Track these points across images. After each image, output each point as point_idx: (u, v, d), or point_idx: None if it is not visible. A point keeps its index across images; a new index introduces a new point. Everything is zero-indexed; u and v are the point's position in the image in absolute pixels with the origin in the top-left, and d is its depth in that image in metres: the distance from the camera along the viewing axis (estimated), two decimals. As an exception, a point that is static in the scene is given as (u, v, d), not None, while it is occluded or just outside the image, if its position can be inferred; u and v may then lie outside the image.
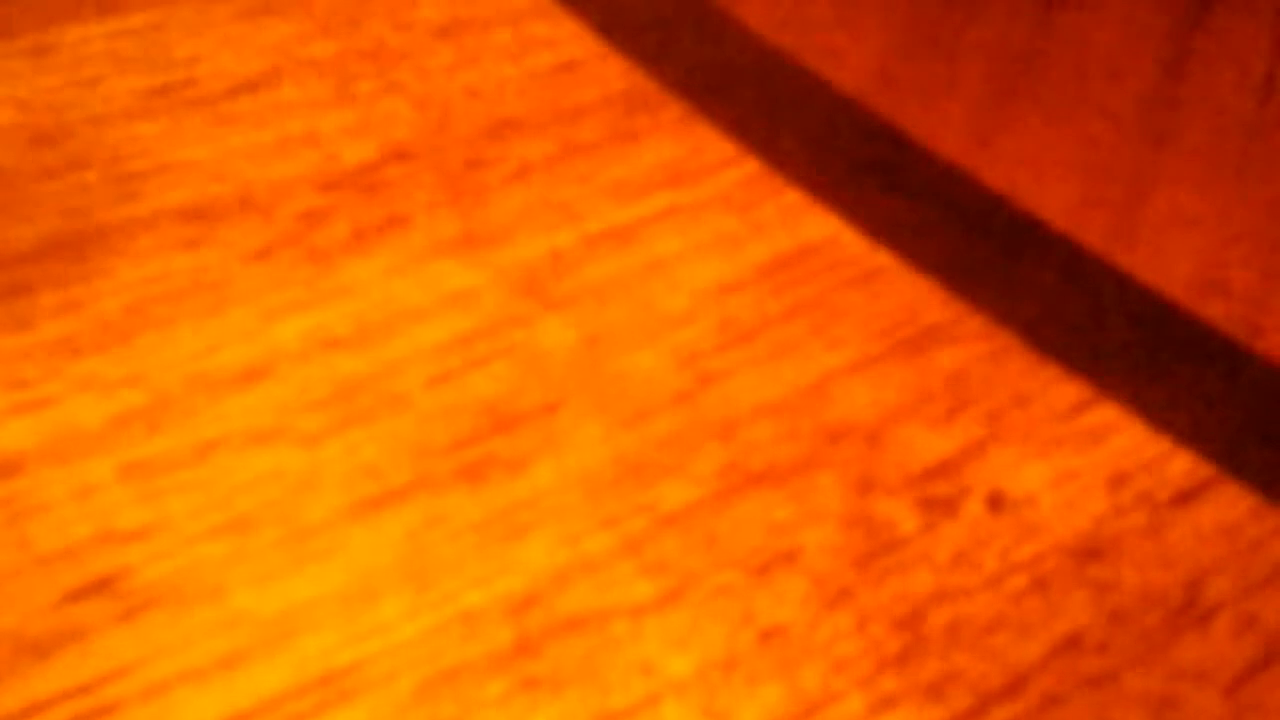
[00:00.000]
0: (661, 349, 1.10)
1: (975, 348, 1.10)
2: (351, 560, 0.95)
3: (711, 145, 1.28)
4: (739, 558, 0.96)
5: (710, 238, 1.19)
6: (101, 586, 0.93)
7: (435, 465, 1.01)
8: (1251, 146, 1.13)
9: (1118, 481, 1.01)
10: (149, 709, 0.87)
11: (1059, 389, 1.07)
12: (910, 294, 1.15)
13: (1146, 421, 1.05)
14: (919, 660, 0.90)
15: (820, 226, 1.20)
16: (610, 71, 1.36)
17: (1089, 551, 0.97)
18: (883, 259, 1.17)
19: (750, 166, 1.26)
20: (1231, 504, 1.00)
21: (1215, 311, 1.12)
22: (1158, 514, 0.99)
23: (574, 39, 1.40)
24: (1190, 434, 1.04)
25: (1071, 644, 0.91)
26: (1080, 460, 1.02)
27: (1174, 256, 1.15)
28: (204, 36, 1.39)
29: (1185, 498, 1.00)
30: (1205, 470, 1.02)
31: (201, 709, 0.87)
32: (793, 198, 1.23)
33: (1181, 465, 1.02)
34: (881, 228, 1.20)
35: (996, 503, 0.99)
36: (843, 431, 1.04)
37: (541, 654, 0.90)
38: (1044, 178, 1.21)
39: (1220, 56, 1.21)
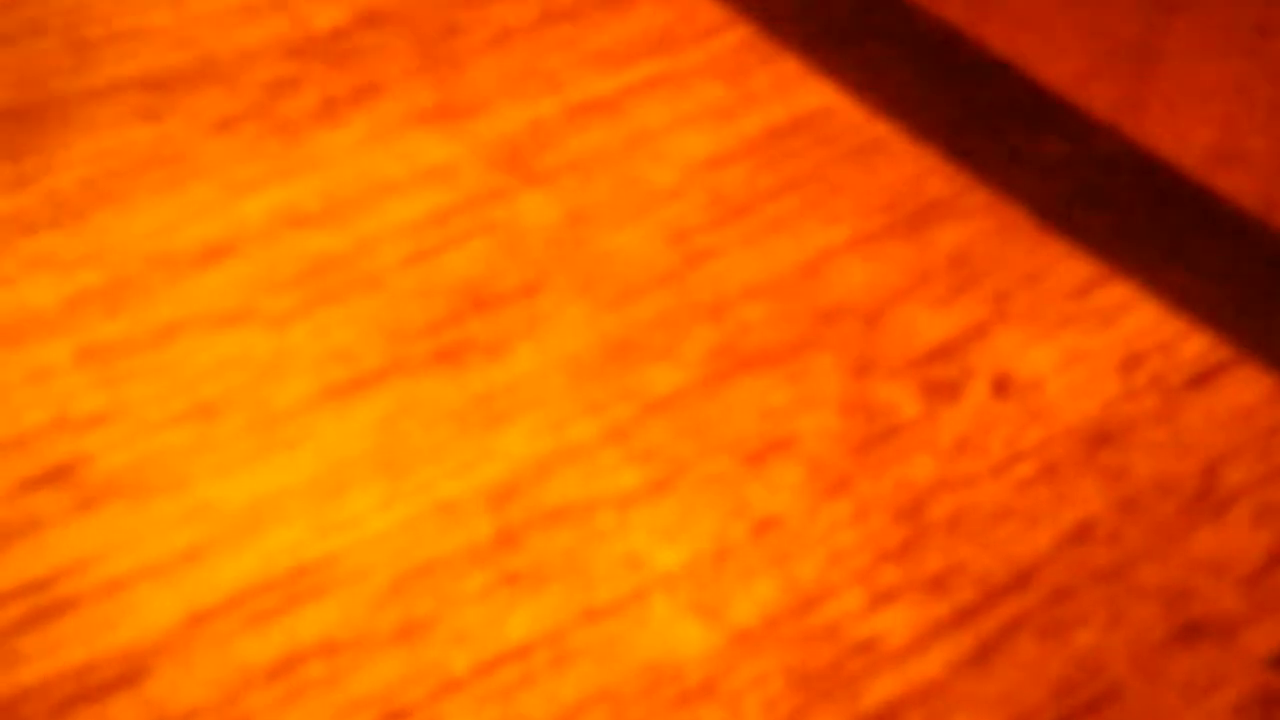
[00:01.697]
0: (648, 226, 1.04)
1: (980, 223, 1.05)
2: (322, 449, 0.90)
3: (701, 10, 1.22)
4: (731, 445, 0.91)
5: (699, 108, 1.13)
6: (58, 475, 0.88)
7: (410, 348, 0.96)
8: (1269, 11, 1.07)
9: (1130, 363, 0.96)
10: (108, 604, 0.82)
11: (1068, 266, 1.02)
12: (911, 167, 1.09)
13: (1160, 300, 1.00)
14: (920, 552, 0.86)
15: (816, 96, 1.14)
16: (594, -68, 1.29)
17: (1099, 437, 0.92)
18: (882, 130, 1.12)
19: (742, 32, 1.20)
20: (1249, 386, 0.95)
21: (1231, 183, 1.06)
22: (1172, 397, 0.94)
23: (556, -102, 1.33)
24: (1206, 313, 0.99)
25: (1081, 535, 0.87)
26: (1090, 341, 0.97)
27: (1188, 126, 1.10)
28: (164, -104, 1.32)
29: (1200, 380, 0.95)
30: (1221, 351, 0.97)
31: (163, 605, 0.82)
32: (787, 65, 1.17)
33: (1197, 346, 0.97)
34: (881, 97, 1.14)
35: (1002, 386, 0.95)
36: (840, 312, 0.99)
37: (523, 547, 0.85)
38: (1052, 44, 1.15)
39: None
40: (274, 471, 0.89)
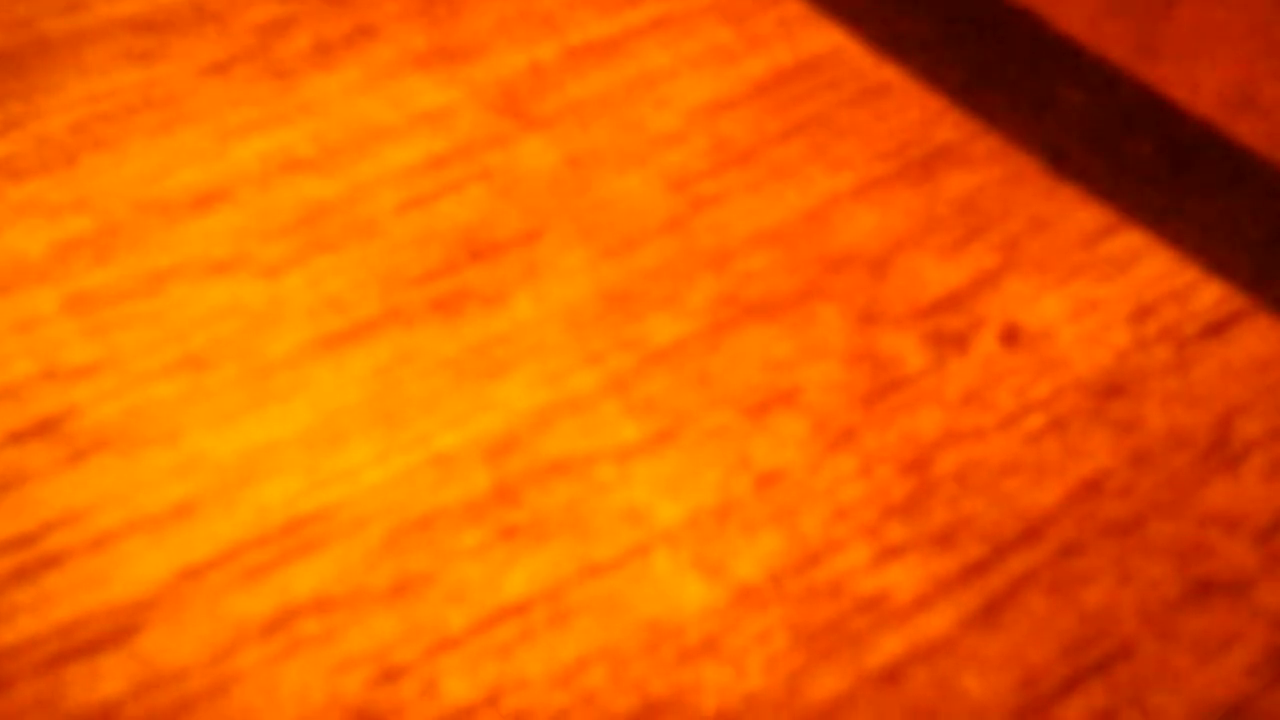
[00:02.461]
0: (650, 172, 1.02)
1: (989, 170, 1.02)
2: (316, 399, 0.88)
3: (704, -49, 1.19)
4: (734, 397, 0.89)
5: (703, 51, 1.11)
6: (46, 427, 0.86)
7: (406, 297, 0.94)
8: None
9: (1142, 313, 0.94)
10: (98, 560, 0.81)
11: (1079, 214, 1.00)
12: (919, 112, 1.06)
13: (1173, 249, 0.98)
14: (927, 506, 0.84)
15: (822, 38, 1.12)
16: None
17: (1110, 389, 0.90)
18: (889, 74, 1.09)
19: (746, -26, 1.17)
20: (1264, 337, 0.93)
21: (1247, 129, 1.04)
22: (1185, 348, 0.92)
23: None
24: (1220, 262, 0.97)
25: (1092, 488, 0.85)
26: (1101, 291, 0.95)
27: (1202, 70, 1.07)
28: None
29: (1214, 330, 0.93)
30: (1236, 301, 0.95)
31: (154, 560, 0.81)
32: (792, 7, 1.14)
33: (1211, 295, 0.95)
34: (889, 41, 1.12)
35: (1011, 337, 0.92)
36: (845, 260, 0.97)
37: (521, 500, 0.84)
38: (1064, -14, 1.13)
39: None
40: (267, 423, 0.87)
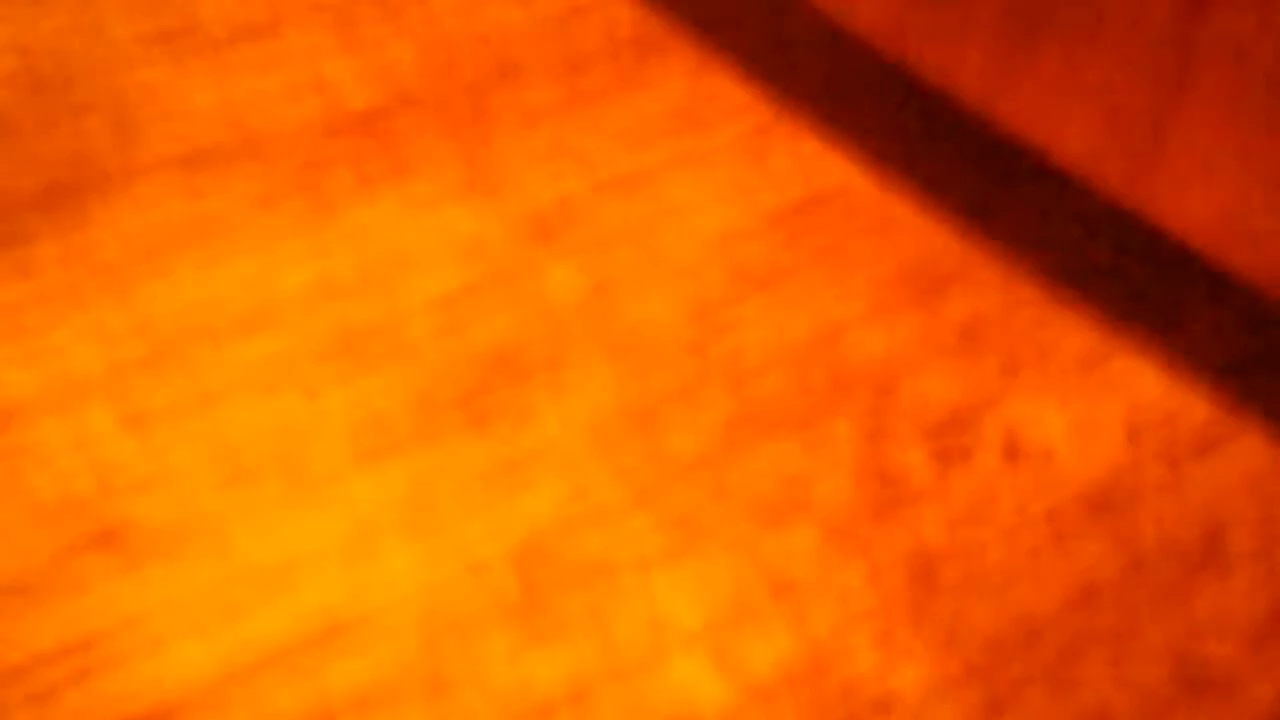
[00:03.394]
0: (671, 297, 1.08)
1: (991, 295, 1.08)
2: (355, 511, 0.93)
3: (723, 91, 1.26)
4: (750, 508, 0.94)
5: (721, 185, 1.17)
6: (103, 538, 0.91)
7: (441, 415, 0.99)
8: (1276, 89, 1.11)
9: (1136, 431, 0.99)
10: (151, 662, 0.85)
11: (1077, 337, 1.05)
12: (924, 242, 1.12)
13: (1166, 370, 1.03)
14: (933, 612, 0.89)
15: (834, 173, 1.18)
16: (619, 15, 1.33)
17: (1106, 502, 0.95)
18: (896, 207, 1.15)
19: (764, 112, 1.24)
20: (1252, 455, 0.98)
21: (1238, 259, 1.10)
22: (1177, 465, 0.97)
23: (583, -17, 1.37)
24: (1211, 384, 1.02)
25: (1088, 596, 0.90)
26: (1098, 410, 1.00)
27: (1195, 202, 1.13)
28: (207, -19, 1.37)
29: (1205, 448, 0.98)
30: (1226, 421, 1.00)
31: (203, 661, 0.85)
32: (807, 144, 1.21)
33: (1202, 415, 1.00)
34: (896, 175, 1.18)
35: (1012, 453, 0.98)
36: (855, 381, 1.02)
37: (549, 606, 0.89)
38: (1061, 121, 1.19)
39: (1243, -2, 1.18)
40: (309, 532, 0.92)
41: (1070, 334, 1.05)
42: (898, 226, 1.14)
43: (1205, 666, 0.86)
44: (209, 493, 0.94)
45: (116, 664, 0.85)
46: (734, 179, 1.18)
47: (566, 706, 0.84)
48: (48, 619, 0.87)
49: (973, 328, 1.06)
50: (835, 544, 0.92)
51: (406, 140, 1.20)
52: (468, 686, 0.85)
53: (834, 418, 1.00)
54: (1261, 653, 0.87)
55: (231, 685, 0.84)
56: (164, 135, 1.20)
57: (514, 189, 1.16)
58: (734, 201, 1.16)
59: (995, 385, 1.02)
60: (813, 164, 1.19)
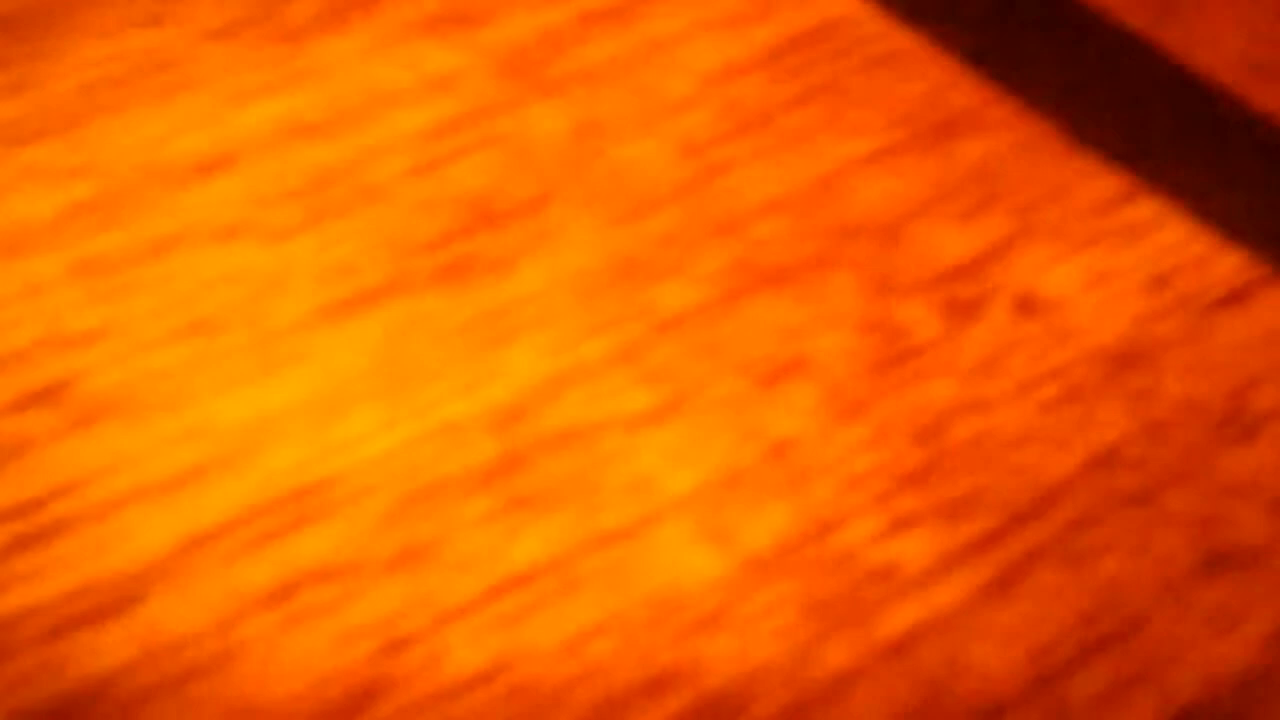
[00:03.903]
0: (661, 138, 1.01)
1: (1004, 136, 1.01)
2: (323, 367, 0.87)
3: (717, -86, 1.18)
4: (745, 365, 0.88)
5: (715, 16, 1.10)
6: (50, 394, 0.85)
7: (414, 264, 0.93)
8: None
9: (1158, 282, 0.93)
10: (102, 527, 0.80)
11: (1095, 181, 0.99)
12: (934, 78, 1.05)
13: (1189, 217, 0.96)
14: (940, 476, 0.83)
15: (836, 3, 1.10)
16: None
17: (1126, 358, 0.89)
18: (903, 40, 1.08)
19: (760, -63, 1.16)
20: (1282, 307, 0.92)
21: (1265, 96, 1.03)
22: (1201, 317, 0.91)
23: None
24: (1237, 230, 0.96)
25: (1106, 459, 0.84)
26: (1118, 259, 0.94)
27: (1221, 36, 1.05)
28: None
29: (1231, 299, 0.92)
30: (1254, 269, 0.94)
31: (159, 527, 0.80)
32: (806, -28, 1.13)
33: (1228, 264, 0.94)
34: (902, 5, 1.10)
35: (1026, 305, 0.91)
36: (858, 228, 0.96)
37: (529, 469, 0.83)
38: (1082, -50, 1.11)
39: None
40: (273, 390, 0.86)
41: (1088, 177, 0.99)
42: (906, 63, 1.06)
43: (1228, 535, 0.81)
44: (163, 346, 0.88)
45: (66, 529, 0.80)
46: (728, 9, 1.10)
47: (547, 577, 0.79)
48: (-9, 482, 0.81)
49: (984, 171, 0.99)
50: (835, 403, 0.86)
51: (377, -33, 1.12)
52: (441, 555, 0.79)
53: (835, 268, 0.93)
54: (1287, 520, 0.82)
55: (189, 553, 0.79)
56: (117, -39, 1.12)
57: (492, 20, 1.08)
58: (727, 34, 1.08)
59: (1007, 233, 0.95)
60: (813, -6, 1.12)
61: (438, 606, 0.77)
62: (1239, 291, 0.93)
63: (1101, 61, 1.07)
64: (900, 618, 0.77)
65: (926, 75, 1.05)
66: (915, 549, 0.80)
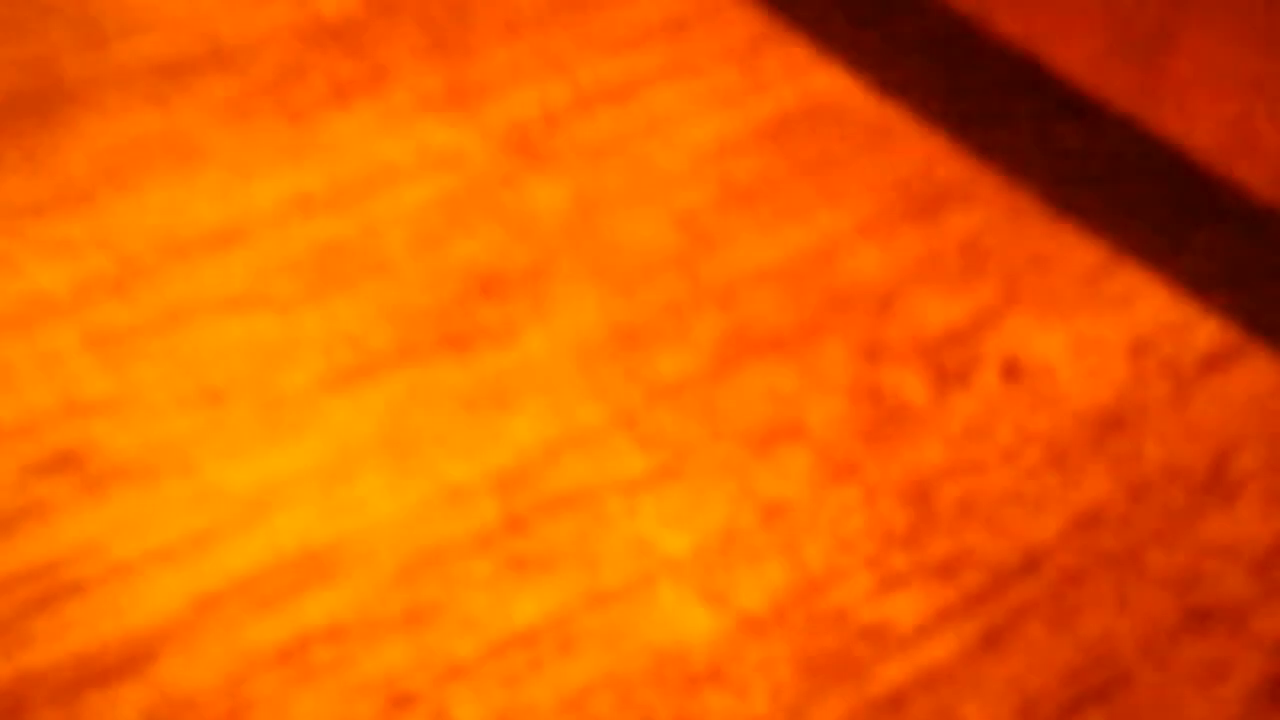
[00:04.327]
0: (658, 211, 1.04)
1: (991, 208, 1.04)
2: (330, 433, 0.90)
3: (712, -4, 1.21)
4: (739, 430, 0.91)
5: (710, 93, 1.13)
6: (65, 460, 0.88)
7: (418, 333, 0.95)
8: (1278, 3, 1.06)
9: (1140, 349, 0.96)
10: (115, 589, 0.82)
11: (1079, 252, 1.02)
12: (922, 152, 1.08)
13: (1171, 286, 0.99)
14: (929, 537, 0.86)
15: (826, 81, 1.14)
16: (605, -82, 1.28)
17: (1109, 423, 0.91)
18: (893, 116, 1.11)
19: (753, 16, 1.20)
20: (1260, 372, 0.94)
21: (1244, 170, 1.06)
22: (1182, 383, 0.94)
23: (567, -116, 1.32)
24: (1217, 299, 0.98)
25: (1090, 520, 0.86)
26: (1101, 327, 0.97)
27: (1200, 113, 1.09)
28: (175, -118, 1.32)
29: (1212, 366, 0.95)
30: (1233, 337, 0.96)
31: (171, 589, 0.82)
32: (797, 51, 1.17)
33: (1208, 332, 0.97)
34: (893, 82, 1.14)
35: (1012, 371, 0.94)
36: (850, 297, 0.99)
37: (530, 532, 0.85)
38: (1066, 30, 1.15)
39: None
40: (281, 456, 0.89)
41: (1073, 249, 1.02)
42: (894, 138, 1.09)
43: (1211, 593, 0.83)
44: (176, 414, 0.90)
45: (80, 591, 0.82)
46: (724, 89, 1.13)
47: (548, 636, 0.81)
48: (6, 543, 0.83)
49: (972, 243, 1.02)
50: (828, 468, 0.89)
51: (383, 48, 1.15)
52: (445, 615, 0.81)
53: (828, 337, 0.96)
54: (1267, 578, 0.84)
55: (201, 614, 0.81)
56: (130, 41, 1.15)
57: (495, 99, 1.12)
58: (724, 112, 1.12)
59: (995, 303, 0.98)
60: (804, 71, 1.15)
61: (441, 665, 0.79)
62: (1219, 357, 0.95)
63: (1084, 137, 1.10)
64: (892, 674, 0.79)
65: (914, 150, 1.08)
66: (906, 607, 0.82)
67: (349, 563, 0.84)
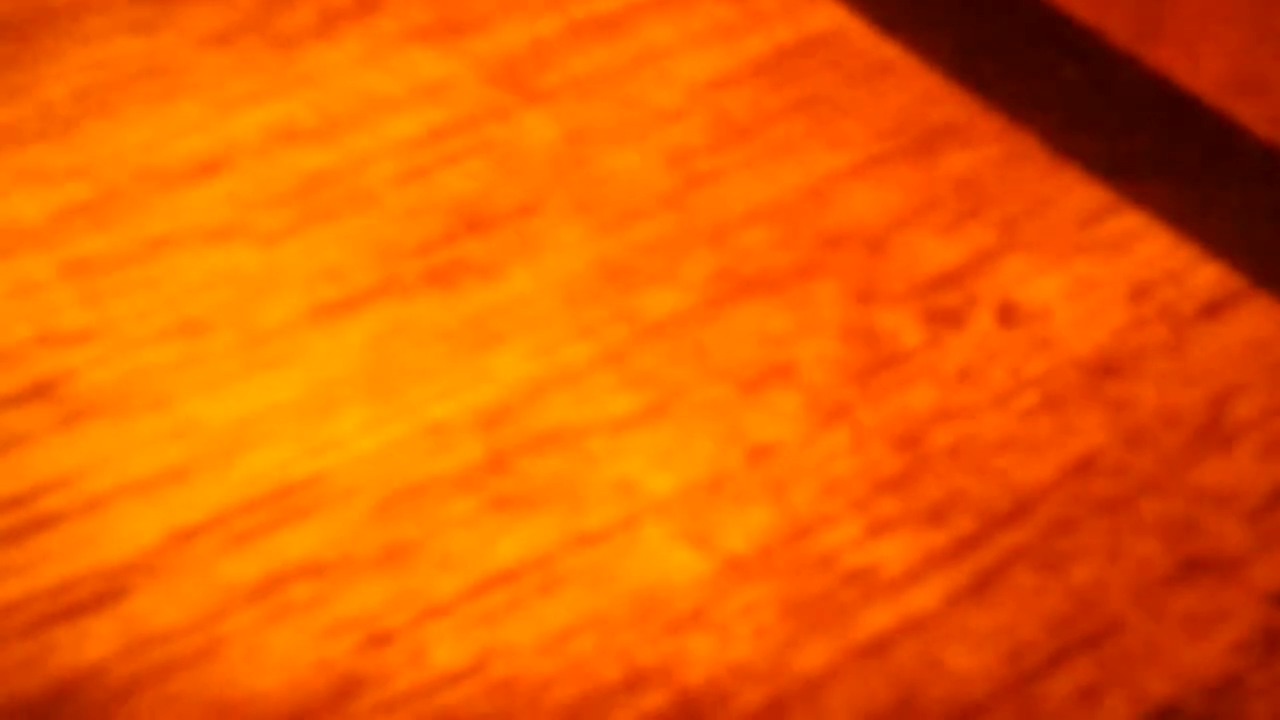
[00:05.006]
0: (649, 147, 1.02)
1: (989, 149, 1.02)
2: (310, 368, 0.88)
3: (709, -71, 1.19)
4: (728, 370, 0.89)
5: (705, 27, 1.11)
6: (40, 391, 0.86)
7: (402, 267, 0.94)
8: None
9: (1139, 293, 0.94)
10: (89, 522, 0.81)
11: (1078, 194, 1.00)
12: (920, 90, 1.06)
13: (1172, 229, 0.97)
14: (919, 482, 0.84)
15: (823, 16, 1.11)
16: None
17: (1106, 367, 0.90)
18: (891, 52, 1.09)
19: (750, -49, 1.17)
20: (1261, 318, 0.93)
21: (1247, 112, 1.04)
22: (1181, 328, 0.92)
23: None
24: (1219, 242, 0.97)
25: (1084, 466, 0.85)
26: (1099, 270, 0.95)
27: (1204, 52, 1.07)
28: None
29: (1211, 311, 0.93)
30: (1234, 281, 0.95)
31: (145, 523, 0.81)
32: (795, -14, 1.14)
33: (1208, 276, 0.95)
34: (890, 18, 1.11)
35: (1007, 314, 0.92)
36: (843, 237, 0.97)
37: (513, 471, 0.84)
38: (1068, -33, 1.12)
39: None
40: (261, 390, 0.87)
41: (1071, 190, 1.00)
42: (891, 73, 1.07)
43: (1204, 541, 0.82)
44: (154, 347, 0.89)
45: (53, 524, 0.81)
46: (717, 21, 1.11)
47: (529, 575, 0.79)
48: (-20, 477, 0.82)
49: (968, 182, 1.00)
50: (818, 409, 0.87)
51: (371, -24, 1.13)
52: (425, 553, 0.80)
53: (820, 277, 0.94)
54: (1262, 528, 0.83)
55: (174, 548, 0.80)
56: (114, -32, 1.13)
57: (484, 29, 1.09)
58: (717, 45, 1.09)
59: (991, 243, 0.96)
60: (801, 6, 1.12)
61: (420, 603, 0.78)
62: (1218, 303, 0.93)
63: (1085, 76, 1.08)
64: (877, 619, 0.78)
65: (912, 88, 1.06)
66: (893, 552, 0.81)
67: (328, 499, 0.82)
